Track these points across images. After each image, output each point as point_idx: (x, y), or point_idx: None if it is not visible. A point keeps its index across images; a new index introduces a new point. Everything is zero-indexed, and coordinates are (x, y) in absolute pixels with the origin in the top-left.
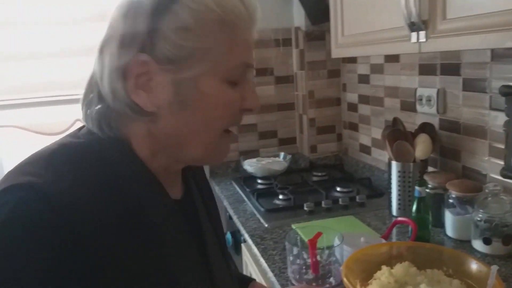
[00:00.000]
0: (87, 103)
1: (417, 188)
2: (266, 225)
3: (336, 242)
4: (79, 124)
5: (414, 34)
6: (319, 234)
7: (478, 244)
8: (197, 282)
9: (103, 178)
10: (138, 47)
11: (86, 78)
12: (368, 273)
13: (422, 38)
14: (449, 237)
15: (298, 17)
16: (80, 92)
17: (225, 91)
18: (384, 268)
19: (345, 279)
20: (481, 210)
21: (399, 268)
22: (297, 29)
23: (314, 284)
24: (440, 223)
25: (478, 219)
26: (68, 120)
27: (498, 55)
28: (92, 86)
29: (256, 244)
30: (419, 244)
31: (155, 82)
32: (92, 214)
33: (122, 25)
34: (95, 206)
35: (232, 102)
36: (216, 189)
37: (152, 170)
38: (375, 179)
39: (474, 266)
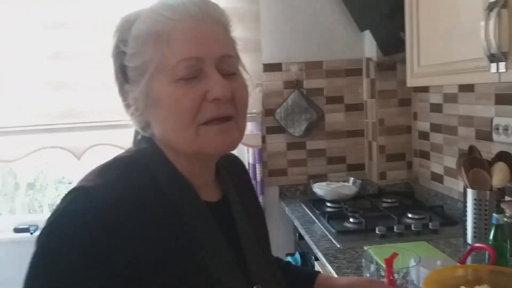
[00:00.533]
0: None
1: (495, 215)
2: (338, 246)
3: (412, 263)
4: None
5: (493, 65)
6: (395, 255)
7: None
8: (232, 280)
9: (142, 181)
10: (120, 86)
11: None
12: None
13: (502, 69)
14: None
15: (370, 48)
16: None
17: (176, 89)
18: None
19: None
20: None
21: None
22: (368, 59)
23: None
24: None
25: None
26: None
27: None
28: None
29: (330, 263)
30: (497, 268)
31: (130, 99)
32: (132, 211)
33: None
34: (135, 205)
35: (185, 97)
36: (286, 210)
37: (184, 174)
38: (447, 208)
39: None
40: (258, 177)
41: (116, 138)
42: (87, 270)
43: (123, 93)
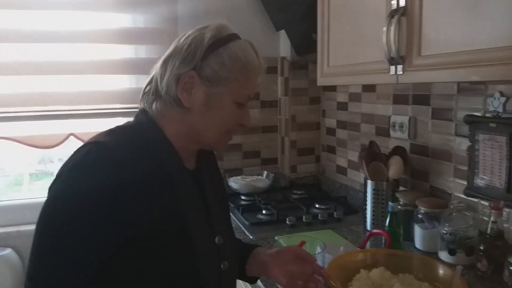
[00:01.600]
0: (145, 91)
1: (390, 203)
2: (251, 237)
3: (318, 250)
4: (72, 139)
5: (392, 67)
6: (303, 243)
7: (444, 255)
8: (203, 228)
9: (141, 146)
10: (192, 66)
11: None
12: (347, 278)
13: (400, 71)
14: (418, 249)
15: (285, 48)
16: (75, 108)
17: (233, 108)
18: (363, 271)
19: (330, 281)
20: (446, 225)
21: (376, 272)
22: (283, 58)
23: None
24: (409, 237)
25: (444, 232)
26: (62, 133)
27: (463, 89)
28: (152, 82)
29: None
30: (392, 251)
31: (195, 89)
32: (134, 166)
33: (185, 49)
34: (136, 161)
35: (234, 116)
36: None
37: (175, 147)
38: (350, 198)
39: (441, 270)
40: None
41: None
42: (99, 219)
43: (181, 69)
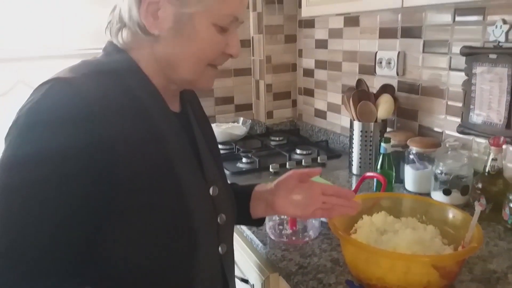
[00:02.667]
0: (110, 20)
1: (383, 145)
2: None
3: None
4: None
5: None
6: None
7: (438, 196)
8: (193, 175)
9: (114, 82)
10: None
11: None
12: (347, 225)
13: None
14: (409, 191)
15: None
16: (23, 49)
17: (212, 32)
18: (366, 217)
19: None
20: (441, 164)
21: (378, 217)
22: None
23: (294, 238)
24: (399, 179)
25: (439, 172)
26: (10, 80)
27: (460, 18)
28: (115, 10)
29: None
30: (391, 194)
31: (161, 12)
32: (109, 107)
33: None
34: (112, 101)
35: (216, 43)
36: None
37: (157, 85)
38: (331, 142)
39: (450, 213)
40: None
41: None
42: (68, 163)
43: None
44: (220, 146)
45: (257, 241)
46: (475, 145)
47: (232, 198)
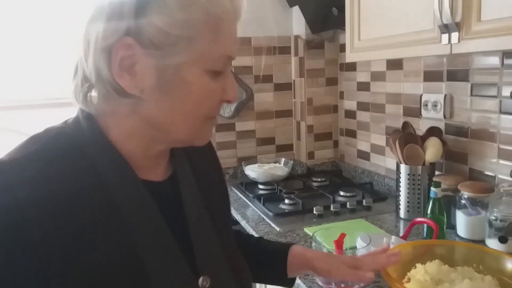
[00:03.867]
0: (75, 83)
1: (433, 189)
2: (278, 229)
3: (361, 243)
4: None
5: (444, 36)
6: (343, 235)
7: (493, 243)
8: (172, 270)
9: (67, 156)
10: (124, 30)
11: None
12: (399, 273)
13: (455, 40)
14: (462, 237)
15: (298, 25)
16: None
17: (206, 81)
18: (419, 266)
19: (388, 278)
20: (495, 210)
21: (432, 266)
22: (297, 37)
23: (343, 285)
24: (450, 225)
25: (494, 218)
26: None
27: (509, 61)
28: (77, 66)
29: None
30: (445, 242)
31: (140, 66)
32: (46, 189)
33: (108, 6)
34: (52, 182)
35: (212, 92)
36: None
37: (124, 151)
38: (376, 184)
39: (505, 262)
40: None
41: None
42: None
43: (109, 38)
44: (261, 187)
45: (304, 287)
46: None
47: (242, 278)
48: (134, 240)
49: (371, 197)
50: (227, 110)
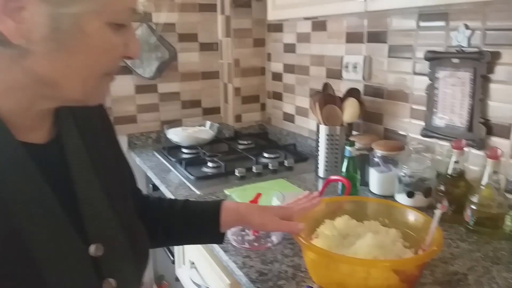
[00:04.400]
0: None
1: (348, 148)
2: (198, 192)
3: (276, 201)
4: None
5: None
6: (259, 195)
7: (402, 198)
8: (62, 243)
9: None
10: None
11: None
12: (311, 228)
13: None
14: (374, 194)
15: None
16: None
17: (108, 35)
18: (328, 221)
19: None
20: (405, 167)
21: (340, 221)
22: None
23: (256, 244)
24: (364, 182)
25: (403, 174)
26: None
27: (424, 23)
28: None
29: None
30: (355, 198)
31: (29, 12)
32: None
33: None
34: None
35: (114, 47)
36: (137, 160)
37: (2, 109)
38: (299, 145)
39: (411, 216)
40: None
41: None
42: None
43: None
44: (185, 151)
45: (217, 248)
46: (438, 148)
47: (138, 244)
48: (13, 210)
49: (293, 158)
50: (148, 71)
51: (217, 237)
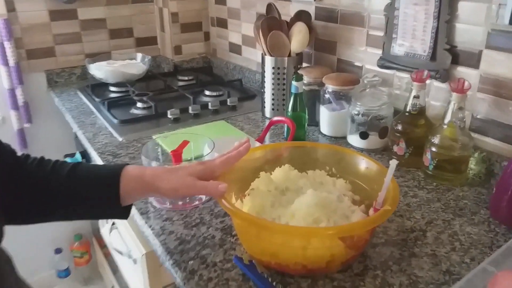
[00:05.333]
0: None
1: (294, 83)
2: (120, 139)
3: (206, 150)
4: None
5: None
6: (185, 143)
7: (354, 139)
8: None
9: None
10: None
11: None
12: (245, 182)
13: None
14: (324, 135)
15: None
16: None
17: None
18: (263, 174)
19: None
20: (358, 104)
21: (279, 173)
22: None
23: (180, 203)
24: (314, 121)
25: (356, 112)
26: None
27: None
28: None
29: (108, 163)
30: (298, 143)
31: None
32: None
33: None
34: None
35: None
36: (56, 101)
37: None
38: (246, 81)
39: (360, 163)
40: (12, 62)
41: None
42: None
43: None
44: (113, 89)
45: (134, 211)
46: (397, 81)
47: None
48: None
49: (238, 95)
50: None
51: (117, 212)
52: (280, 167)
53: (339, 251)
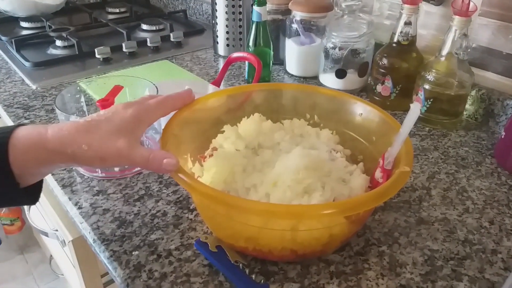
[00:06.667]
0: None
1: (256, 9)
2: (34, 87)
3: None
4: None
5: None
6: (118, 89)
7: (328, 79)
8: None
9: None
10: None
11: None
12: (203, 139)
13: None
14: (291, 75)
15: None
16: None
17: None
18: (228, 128)
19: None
20: (334, 34)
21: (248, 125)
22: None
23: (117, 169)
24: (278, 59)
25: (331, 45)
26: None
27: None
28: None
29: (18, 118)
30: (269, 85)
31: None
32: None
33: None
34: None
35: None
36: None
37: None
38: (192, 13)
39: (354, 107)
40: None
41: None
42: None
43: None
44: (25, 25)
45: (54, 183)
46: (377, 5)
47: None
48: None
49: (182, 29)
50: None
51: (17, 195)
52: (247, 117)
53: (340, 230)
